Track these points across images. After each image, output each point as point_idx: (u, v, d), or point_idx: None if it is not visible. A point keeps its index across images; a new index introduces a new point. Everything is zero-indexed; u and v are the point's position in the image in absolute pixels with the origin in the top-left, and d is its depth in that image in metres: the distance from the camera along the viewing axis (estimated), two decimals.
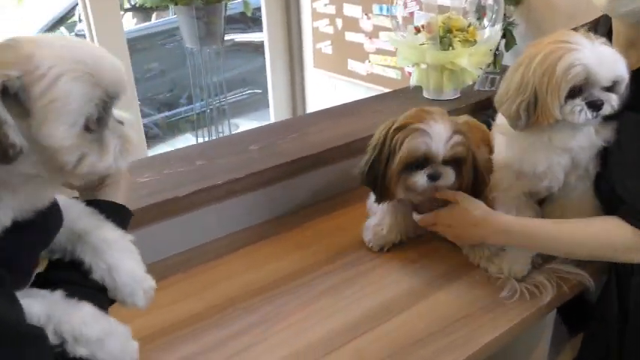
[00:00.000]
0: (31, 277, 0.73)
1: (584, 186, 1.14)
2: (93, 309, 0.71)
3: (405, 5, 2.42)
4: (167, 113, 4.63)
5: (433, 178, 1.10)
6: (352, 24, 2.67)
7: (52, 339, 0.66)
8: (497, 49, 1.88)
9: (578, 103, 0.98)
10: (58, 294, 0.70)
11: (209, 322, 1.06)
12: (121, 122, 0.68)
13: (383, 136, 1.13)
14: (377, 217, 1.26)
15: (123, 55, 2.49)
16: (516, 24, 1.99)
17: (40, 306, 0.67)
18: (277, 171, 1.37)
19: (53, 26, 4.21)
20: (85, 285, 0.73)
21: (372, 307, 1.09)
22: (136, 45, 4.90)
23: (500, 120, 1.16)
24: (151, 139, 4.31)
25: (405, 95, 1.86)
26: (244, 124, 4.26)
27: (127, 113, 0.71)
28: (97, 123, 0.63)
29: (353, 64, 2.77)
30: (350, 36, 2.73)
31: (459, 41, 1.67)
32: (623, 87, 1.01)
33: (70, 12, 4.26)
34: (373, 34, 2.57)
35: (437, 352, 0.97)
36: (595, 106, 0.98)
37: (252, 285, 1.16)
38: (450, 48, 1.68)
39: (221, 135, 3.32)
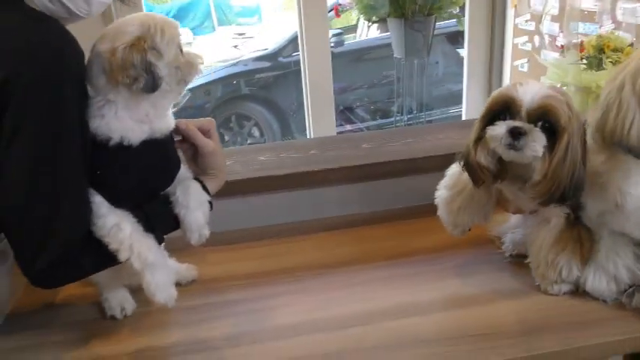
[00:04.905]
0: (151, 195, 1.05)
1: None
2: (157, 244, 1.01)
3: (601, 24, 2.26)
4: (379, 121, 4.91)
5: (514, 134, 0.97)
6: (549, 41, 2.55)
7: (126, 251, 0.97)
8: None
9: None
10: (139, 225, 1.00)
11: (259, 281, 1.24)
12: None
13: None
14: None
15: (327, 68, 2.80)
16: None
17: (125, 224, 0.97)
18: (365, 169, 1.48)
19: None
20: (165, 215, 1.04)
21: (403, 302, 1.13)
22: (371, 54, 5.30)
23: None
24: None
25: None
26: None
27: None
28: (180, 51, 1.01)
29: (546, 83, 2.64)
30: (545, 54, 2.61)
31: (611, 62, 1.53)
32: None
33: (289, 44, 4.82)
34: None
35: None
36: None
37: (310, 262, 1.30)
38: (601, 69, 1.55)
39: None
